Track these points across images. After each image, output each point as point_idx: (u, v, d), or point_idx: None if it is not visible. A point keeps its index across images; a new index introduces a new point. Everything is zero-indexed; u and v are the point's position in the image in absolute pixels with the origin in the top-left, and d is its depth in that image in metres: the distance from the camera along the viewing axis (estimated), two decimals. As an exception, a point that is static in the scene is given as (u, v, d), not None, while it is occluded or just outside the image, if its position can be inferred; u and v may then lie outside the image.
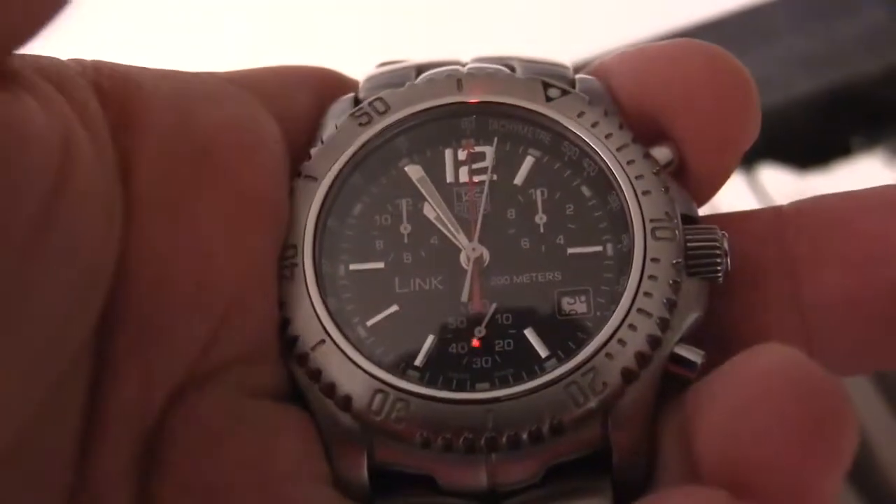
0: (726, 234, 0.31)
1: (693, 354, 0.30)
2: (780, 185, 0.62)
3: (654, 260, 0.31)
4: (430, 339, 0.31)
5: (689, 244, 0.31)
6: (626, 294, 0.30)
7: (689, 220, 0.32)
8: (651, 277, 0.30)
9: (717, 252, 0.31)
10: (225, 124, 0.31)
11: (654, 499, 0.28)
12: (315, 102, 0.35)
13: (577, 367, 0.29)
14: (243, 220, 0.31)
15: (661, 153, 0.32)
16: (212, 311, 0.30)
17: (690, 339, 0.31)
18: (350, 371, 0.30)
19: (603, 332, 0.30)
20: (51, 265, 0.26)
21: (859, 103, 0.71)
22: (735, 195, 0.66)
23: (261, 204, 0.31)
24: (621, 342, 0.30)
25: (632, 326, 0.30)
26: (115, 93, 0.30)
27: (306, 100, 0.34)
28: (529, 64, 0.34)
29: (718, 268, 0.31)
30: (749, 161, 0.69)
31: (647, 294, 0.30)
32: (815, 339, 0.31)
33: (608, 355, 0.30)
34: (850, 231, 0.31)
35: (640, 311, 0.30)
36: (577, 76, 0.34)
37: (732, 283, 0.32)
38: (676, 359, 0.30)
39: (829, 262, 0.31)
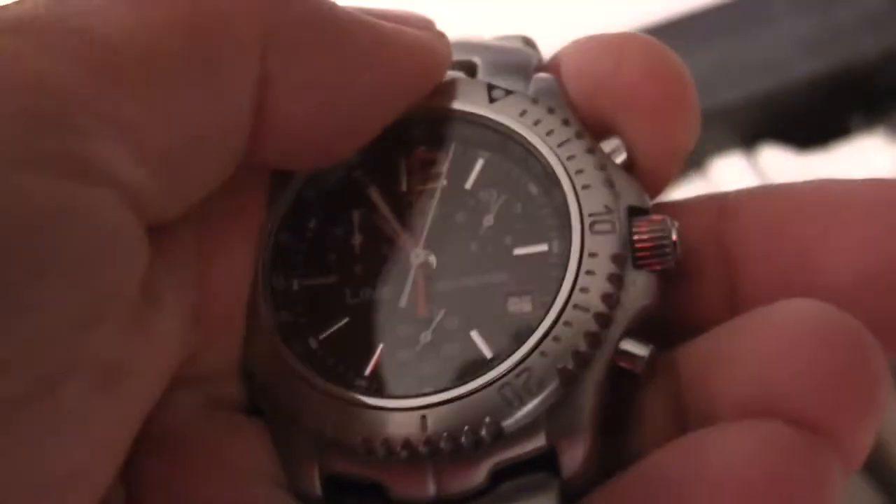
0: (676, 224, 0.30)
1: (638, 348, 0.29)
2: (780, 165, 0.63)
3: (591, 255, 0.30)
4: (379, 348, 0.31)
5: (634, 236, 0.30)
6: (561, 290, 0.29)
7: (640, 211, 0.31)
8: (588, 273, 0.29)
9: (665, 243, 0.30)
10: None
11: (707, 433, 0.27)
12: None
13: (512, 368, 0.29)
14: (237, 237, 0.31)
15: (612, 144, 0.31)
16: (204, 331, 0.30)
17: (639, 331, 0.30)
18: (297, 386, 0.30)
19: (538, 330, 0.29)
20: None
21: (858, 84, 0.72)
22: (736, 175, 0.67)
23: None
24: (556, 339, 0.29)
25: (567, 323, 0.29)
26: None
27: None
28: (493, 55, 0.34)
29: (667, 258, 0.30)
30: (749, 141, 0.70)
31: (583, 290, 0.29)
32: None
33: (542, 354, 0.29)
34: (781, 233, 0.30)
35: (576, 307, 0.29)
36: (536, 75, 0.33)
37: (675, 274, 0.31)
38: (621, 354, 0.29)
39: (759, 261, 0.31)
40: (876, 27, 0.72)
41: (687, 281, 0.31)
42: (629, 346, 0.29)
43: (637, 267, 0.30)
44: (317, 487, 0.30)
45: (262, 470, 0.30)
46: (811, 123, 0.70)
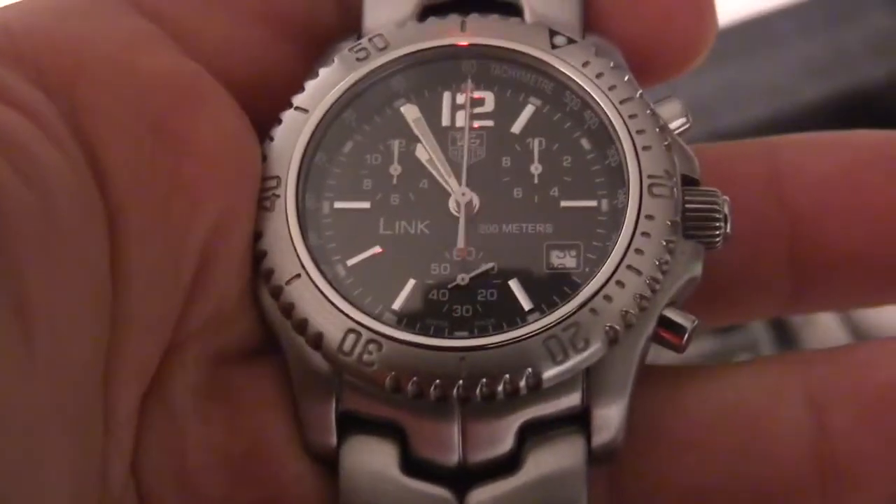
0: (727, 199, 0.30)
1: (684, 319, 0.29)
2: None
3: (648, 217, 0.29)
4: (410, 284, 0.30)
5: (687, 205, 0.30)
6: (616, 248, 0.29)
7: (690, 181, 0.31)
8: (644, 234, 0.29)
9: (717, 216, 0.30)
10: (165, 81, 0.30)
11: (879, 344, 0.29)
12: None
13: (560, 321, 0.28)
14: (205, 183, 0.30)
15: (672, 109, 0.31)
16: (179, 286, 0.30)
17: (682, 303, 0.30)
18: (323, 308, 0.29)
19: (590, 286, 0.29)
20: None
21: (866, 108, 0.71)
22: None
23: (218, 165, 0.30)
24: (608, 298, 0.29)
25: (620, 283, 0.29)
26: (51, 69, 0.29)
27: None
28: (540, 4, 0.33)
29: (717, 232, 0.30)
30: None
31: (638, 251, 0.29)
32: (808, 294, 0.32)
33: (593, 311, 0.28)
34: (852, 183, 0.31)
35: (629, 267, 0.29)
36: (590, 36, 0.33)
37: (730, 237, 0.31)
38: (665, 322, 0.29)
39: (830, 215, 0.31)
40: (883, 51, 0.72)
41: (740, 244, 0.31)
42: (674, 315, 0.29)
43: (686, 236, 0.30)
44: (331, 423, 0.29)
45: (266, 439, 0.30)
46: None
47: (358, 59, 0.32)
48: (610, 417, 0.29)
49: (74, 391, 0.27)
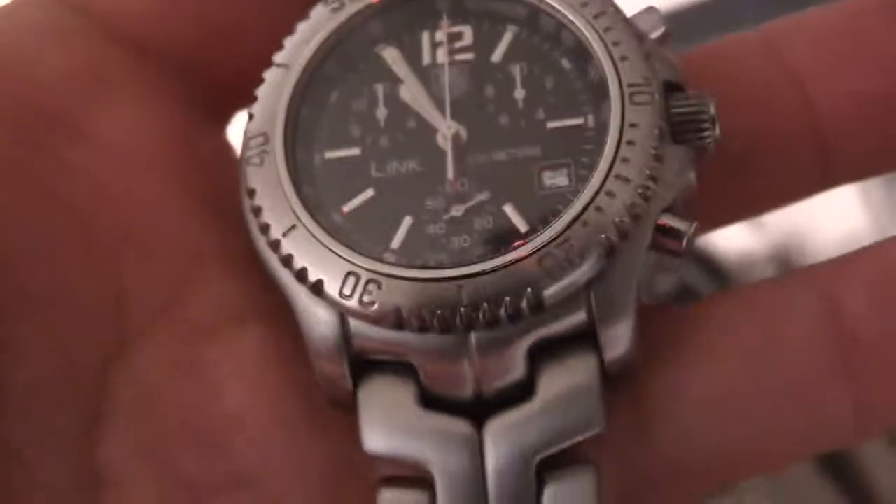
0: (714, 100, 0.30)
1: (681, 223, 0.29)
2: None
3: (632, 125, 0.29)
4: (406, 221, 0.30)
5: (673, 111, 0.30)
6: (602, 160, 0.29)
7: (676, 87, 0.31)
8: (629, 143, 0.29)
9: (704, 118, 0.30)
10: (67, 76, 0.30)
11: None
12: None
13: (553, 239, 0.28)
14: (109, 175, 0.30)
15: (649, 19, 0.31)
16: (103, 270, 0.29)
17: (679, 209, 0.30)
18: (321, 255, 0.29)
19: (579, 200, 0.29)
20: None
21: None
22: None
23: (125, 157, 0.31)
24: (598, 210, 0.28)
25: (609, 193, 0.29)
26: None
27: None
28: None
29: (706, 133, 0.30)
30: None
31: (625, 160, 0.29)
32: (831, 151, 0.31)
33: (584, 224, 0.28)
34: (856, 35, 0.31)
35: (618, 177, 0.29)
36: None
37: (738, 108, 0.31)
38: (663, 229, 0.29)
39: (837, 69, 0.31)
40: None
41: (753, 111, 0.31)
42: (671, 220, 0.29)
43: (676, 142, 0.30)
44: (345, 370, 0.29)
45: (245, 414, 0.30)
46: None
47: (333, 10, 0.32)
48: (618, 331, 0.29)
49: None
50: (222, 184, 0.32)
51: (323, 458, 0.30)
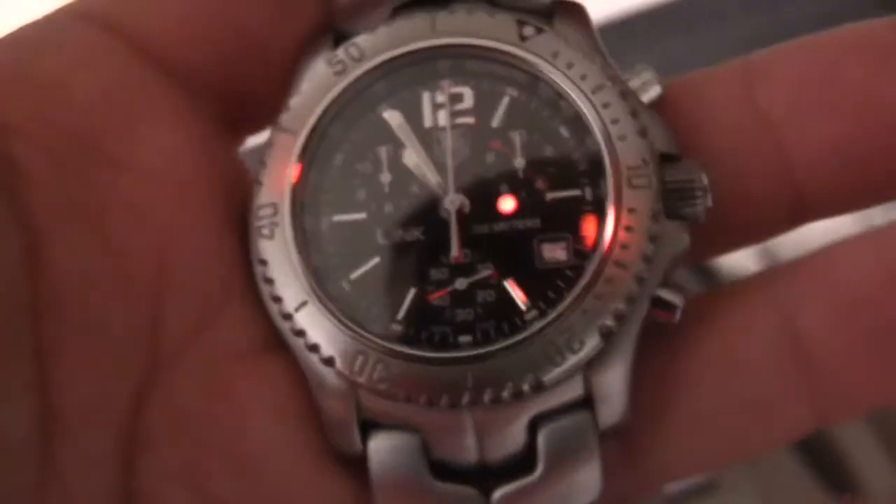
0: (704, 170, 0.30)
1: (674, 297, 0.30)
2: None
3: (630, 210, 0.30)
4: (412, 293, 0.31)
5: (667, 187, 0.30)
6: (601, 245, 0.29)
7: (671, 157, 0.31)
8: (628, 229, 0.29)
9: (697, 191, 0.30)
10: (101, 98, 0.30)
11: None
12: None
13: (552, 323, 0.29)
14: (146, 201, 0.30)
15: (644, 79, 0.31)
16: (140, 299, 0.30)
17: (671, 277, 0.31)
18: (333, 332, 0.30)
19: (578, 285, 0.29)
20: None
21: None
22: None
23: (161, 181, 0.31)
24: (598, 297, 0.29)
25: (608, 281, 0.29)
26: None
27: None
28: None
29: (698, 203, 0.30)
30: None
31: (624, 247, 0.29)
32: (804, 194, 0.32)
33: (584, 312, 0.29)
34: (833, 80, 0.31)
35: (616, 263, 0.29)
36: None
37: (712, 155, 0.31)
38: (658, 302, 0.30)
39: (812, 114, 0.31)
40: (827, 26, 0.71)
41: (726, 157, 0.31)
42: (664, 294, 0.30)
43: (669, 216, 0.30)
44: (354, 429, 0.30)
45: (274, 442, 0.30)
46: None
47: (336, 74, 0.32)
48: (614, 401, 0.29)
49: None
50: (243, 202, 0.33)
51: (347, 494, 0.31)
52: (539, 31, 0.31)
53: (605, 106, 0.30)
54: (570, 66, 0.31)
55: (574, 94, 0.31)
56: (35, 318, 0.28)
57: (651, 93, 0.31)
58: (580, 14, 0.32)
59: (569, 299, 0.29)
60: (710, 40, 0.72)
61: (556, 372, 0.29)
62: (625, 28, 0.71)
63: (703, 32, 0.72)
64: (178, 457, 0.30)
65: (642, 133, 0.30)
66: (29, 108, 0.29)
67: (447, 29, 0.32)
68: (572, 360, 0.29)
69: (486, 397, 0.29)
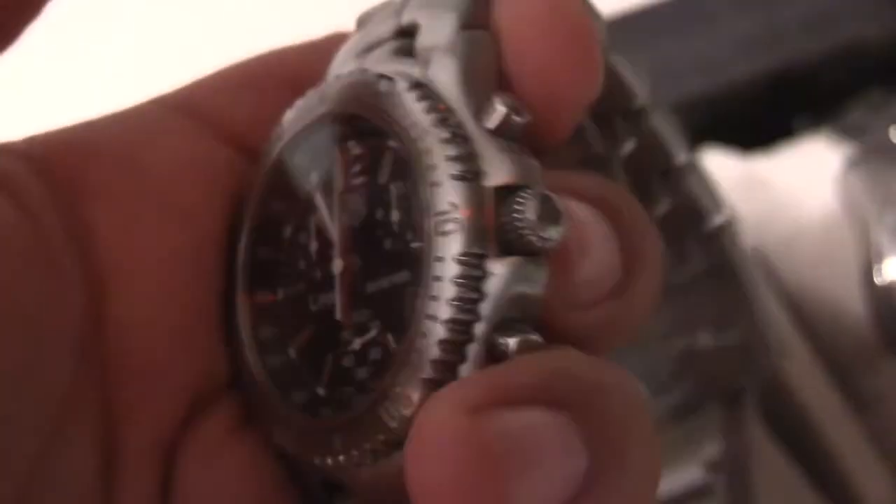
0: (554, 198, 0.28)
1: (506, 340, 0.27)
2: (722, 168, 0.61)
3: (437, 259, 0.28)
4: (330, 357, 0.30)
5: (500, 219, 0.27)
6: (417, 303, 0.28)
7: (514, 188, 0.28)
8: (436, 279, 0.27)
9: (525, 224, 0.27)
10: (175, 164, 0.31)
11: None
12: (259, 99, 0.34)
13: (389, 385, 0.28)
14: (202, 260, 0.31)
15: (508, 105, 0.28)
16: (196, 344, 0.31)
17: (518, 319, 0.28)
18: (269, 404, 0.31)
19: (400, 346, 0.28)
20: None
21: (801, 85, 0.71)
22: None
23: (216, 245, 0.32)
24: (417, 351, 0.27)
25: (423, 335, 0.27)
26: (58, 163, 0.30)
27: (250, 102, 0.34)
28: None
29: (532, 237, 0.27)
30: (691, 144, 0.69)
31: (433, 298, 0.27)
32: None
33: (406, 365, 0.27)
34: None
35: (428, 316, 0.27)
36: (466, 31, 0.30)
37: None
38: (492, 348, 0.27)
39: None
40: (818, 27, 0.72)
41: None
42: (498, 338, 0.27)
43: (503, 253, 0.28)
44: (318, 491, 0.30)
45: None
46: (753, 125, 0.69)
47: (265, 154, 0.32)
48: None
49: None
50: None
51: None
52: (389, 80, 0.30)
53: (426, 152, 0.28)
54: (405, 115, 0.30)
55: (406, 143, 0.29)
56: (100, 364, 0.29)
57: (516, 119, 0.29)
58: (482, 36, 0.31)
59: (394, 362, 0.28)
60: (697, 41, 0.72)
61: (398, 429, 0.27)
62: (610, 30, 0.71)
63: (690, 34, 0.72)
64: (200, 484, 0.30)
65: (462, 176, 0.28)
66: (112, 175, 0.30)
67: (332, 98, 0.31)
68: (406, 415, 0.27)
69: (355, 455, 0.28)
